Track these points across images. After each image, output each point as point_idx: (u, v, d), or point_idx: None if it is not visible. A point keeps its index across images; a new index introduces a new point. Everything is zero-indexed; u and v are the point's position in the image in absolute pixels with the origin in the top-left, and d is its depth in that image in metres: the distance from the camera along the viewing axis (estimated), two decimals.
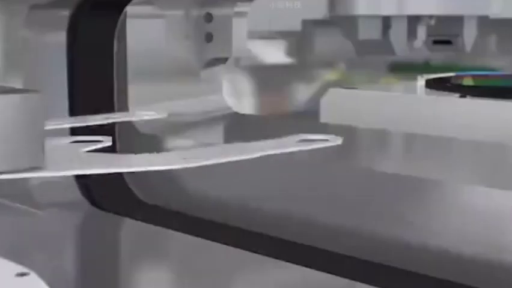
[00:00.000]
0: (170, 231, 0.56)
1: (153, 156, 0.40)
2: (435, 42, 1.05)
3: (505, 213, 0.46)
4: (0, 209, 0.58)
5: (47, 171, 0.36)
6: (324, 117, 0.76)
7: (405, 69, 1.08)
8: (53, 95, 0.61)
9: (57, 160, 0.37)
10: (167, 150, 0.65)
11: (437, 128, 0.61)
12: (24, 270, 0.32)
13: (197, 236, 0.54)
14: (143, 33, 0.65)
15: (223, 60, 0.70)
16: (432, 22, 1.02)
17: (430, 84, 0.82)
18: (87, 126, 0.46)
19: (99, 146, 0.42)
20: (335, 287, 0.47)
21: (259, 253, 0.51)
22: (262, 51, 0.98)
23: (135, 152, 0.42)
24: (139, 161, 0.39)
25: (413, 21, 1.01)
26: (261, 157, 0.50)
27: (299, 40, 1.02)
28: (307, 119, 0.86)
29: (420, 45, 1.03)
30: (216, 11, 0.67)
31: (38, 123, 0.35)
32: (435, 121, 0.65)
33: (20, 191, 0.59)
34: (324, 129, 0.64)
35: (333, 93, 0.79)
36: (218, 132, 0.72)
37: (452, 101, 0.73)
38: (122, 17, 0.64)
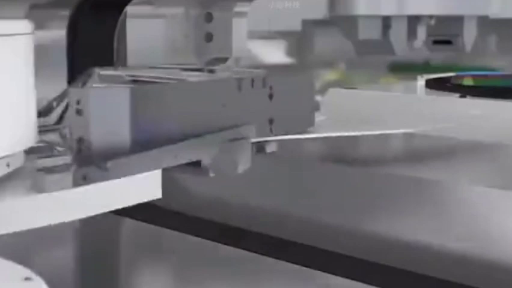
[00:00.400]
0: (170, 231, 0.56)
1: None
2: (435, 42, 1.05)
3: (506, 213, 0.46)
4: None
5: (317, 133, 0.47)
6: None
7: (405, 69, 1.08)
8: (52, 95, 0.61)
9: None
10: None
11: (437, 127, 0.61)
12: (32, 275, 0.32)
13: (197, 236, 0.54)
14: (143, 33, 0.65)
15: (223, 60, 0.70)
16: (432, 22, 1.02)
17: (430, 84, 0.82)
18: None
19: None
20: (335, 287, 0.47)
21: (259, 253, 0.51)
22: (262, 51, 0.98)
23: None
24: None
25: (413, 21, 1.01)
26: (258, 157, 0.50)
27: (299, 40, 1.02)
28: None
29: (420, 45, 1.03)
30: (216, 11, 0.67)
31: (312, 96, 0.48)
32: (435, 121, 0.65)
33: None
34: None
35: (333, 93, 0.79)
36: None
37: (452, 101, 0.73)
38: (122, 17, 0.64)
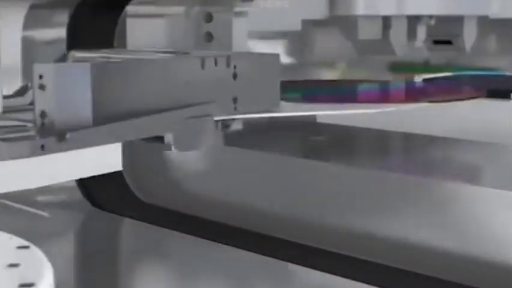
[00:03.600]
0: (170, 231, 0.56)
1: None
2: (435, 42, 1.05)
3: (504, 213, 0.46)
4: (2, 210, 0.58)
5: (282, 112, 0.49)
6: (321, 117, 0.76)
7: (405, 68, 1.08)
8: None
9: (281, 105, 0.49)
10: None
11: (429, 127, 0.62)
12: (25, 243, 0.33)
13: (197, 236, 0.55)
14: (143, 33, 0.65)
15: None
16: (432, 22, 1.02)
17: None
18: None
19: None
20: (335, 287, 0.47)
21: (259, 253, 0.51)
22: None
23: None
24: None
25: (413, 21, 1.01)
26: (258, 157, 0.50)
27: (299, 40, 1.02)
28: (305, 118, 0.86)
29: (420, 45, 1.03)
30: (216, 11, 0.67)
31: (277, 76, 0.47)
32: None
33: (22, 192, 0.59)
34: (323, 128, 0.64)
35: None
36: (218, 131, 0.72)
37: None
38: (122, 16, 0.64)
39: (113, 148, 0.40)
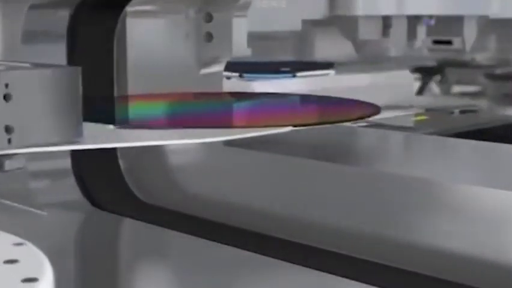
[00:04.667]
0: (170, 231, 0.56)
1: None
2: (435, 42, 1.05)
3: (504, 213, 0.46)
4: (2, 210, 0.58)
5: (84, 144, 0.37)
6: None
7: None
8: None
9: (89, 134, 0.38)
10: (162, 149, 0.65)
11: None
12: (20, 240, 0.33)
13: (197, 236, 0.55)
14: (143, 33, 0.65)
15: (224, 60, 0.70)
16: (432, 22, 1.03)
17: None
18: None
19: None
20: (335, 287, 0.47)
21: (259, 253, 0.51)
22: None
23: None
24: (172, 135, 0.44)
25: (413, 21, 1.02)
26: (258, 157, 0.50)
27: (299, 40, 1.02)
28: None
29: (420, 45, 1.03)
30: (216, 11, 0.67)
31: (76, 97, 0.36)
32: None
33: (21, 192, 0.59)
34: (322, 129, 0.64)
35: None
36: None
37: None
38: (122, 16, 0.64)
39: None
